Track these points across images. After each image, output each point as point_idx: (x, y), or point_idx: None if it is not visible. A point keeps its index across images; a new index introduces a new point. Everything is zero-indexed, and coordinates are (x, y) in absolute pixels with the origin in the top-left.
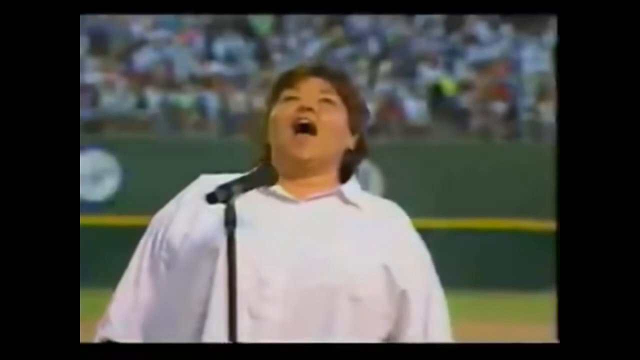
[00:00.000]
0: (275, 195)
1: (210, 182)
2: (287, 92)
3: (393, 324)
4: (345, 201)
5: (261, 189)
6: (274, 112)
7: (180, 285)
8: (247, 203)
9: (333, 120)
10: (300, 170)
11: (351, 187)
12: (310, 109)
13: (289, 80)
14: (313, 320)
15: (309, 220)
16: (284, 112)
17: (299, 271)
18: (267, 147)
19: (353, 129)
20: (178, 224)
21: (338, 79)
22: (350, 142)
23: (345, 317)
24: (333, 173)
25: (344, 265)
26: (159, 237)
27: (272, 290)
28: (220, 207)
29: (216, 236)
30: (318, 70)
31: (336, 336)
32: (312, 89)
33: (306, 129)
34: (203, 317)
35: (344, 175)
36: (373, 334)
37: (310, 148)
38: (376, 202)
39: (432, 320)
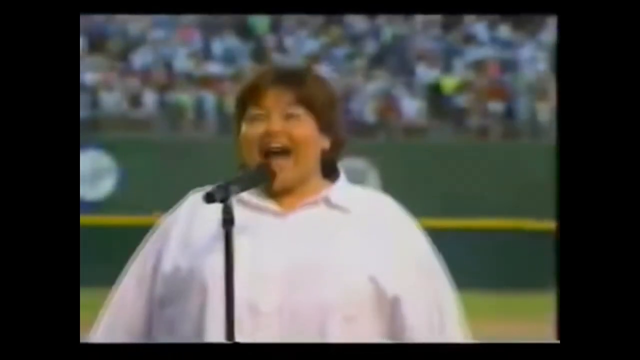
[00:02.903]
0: (261, 209)
1: (199, 199)
2: (252, 110)
3: (388, 335)
4: (332, 207)
5: (247, 203)
6: (242, 133)
7: (174, 312)
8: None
9: (304, 135)
10: (282, 190)
11: (338, 189)
12: (278, 134)
13: (251, 95)
14: (306, 339)
15: (296, 234)
16: (252, 134)
17: (289, 291)
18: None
19: (325, 130)
20: (169, 255)
21: (301, 84)
22: (325, 143)
23: (337, 335)
24: (317, 174)
25: (332, 282)
26: (151, 270)
27: (264, 316)
28: (208, 230)
29: (206, 266)
30: (280, 78)
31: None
32: (276, 105)
33: (277, 153)
34: (200, 332)
35: (328, 171)
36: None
37: (286, 173)
38: (365, 200)
39: (429, 324)
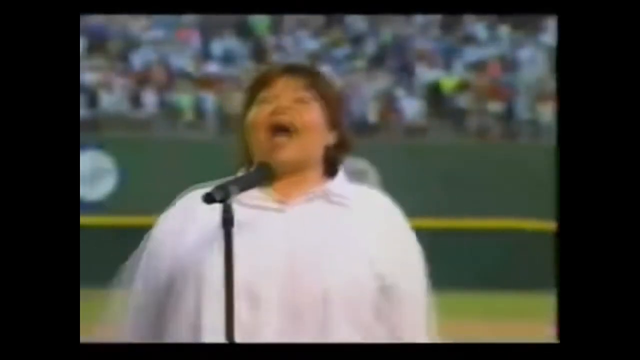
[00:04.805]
0: (260, 207)
1: (196, 197)
2: (262, 94)
3: (388, 324)
4: (332, 202)
5: (247, 200)
6: (250, 115)
7: (172, 307)
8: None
9: (310, 119)
10: (281, 171)
11: (337, 185)
12: (286, 110)
13: (263, 81)
14: (308, 329)
15: (296, 228)
16: (260, 114)
17: (290, 282)
18: (247, 149)
19: (331, 125)
20: (165, 252)
21: (312, 75)
22: (329, 138)
23: (339, 321)
24: (318, 169)
25: (332, 272)
26: (151, 264)
27: (266, 306)
28: (204, 227)
29: (201, 259)
30: (291, 68)
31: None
32: (286, 88)
33: (283, 129)
34: (197, 331)
35: (329, 170)
36: (371, 337)
37: (288, 150)
38: (364, 197)
39: (408, 318)
